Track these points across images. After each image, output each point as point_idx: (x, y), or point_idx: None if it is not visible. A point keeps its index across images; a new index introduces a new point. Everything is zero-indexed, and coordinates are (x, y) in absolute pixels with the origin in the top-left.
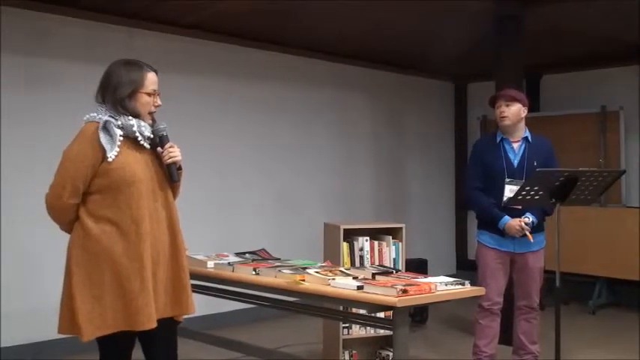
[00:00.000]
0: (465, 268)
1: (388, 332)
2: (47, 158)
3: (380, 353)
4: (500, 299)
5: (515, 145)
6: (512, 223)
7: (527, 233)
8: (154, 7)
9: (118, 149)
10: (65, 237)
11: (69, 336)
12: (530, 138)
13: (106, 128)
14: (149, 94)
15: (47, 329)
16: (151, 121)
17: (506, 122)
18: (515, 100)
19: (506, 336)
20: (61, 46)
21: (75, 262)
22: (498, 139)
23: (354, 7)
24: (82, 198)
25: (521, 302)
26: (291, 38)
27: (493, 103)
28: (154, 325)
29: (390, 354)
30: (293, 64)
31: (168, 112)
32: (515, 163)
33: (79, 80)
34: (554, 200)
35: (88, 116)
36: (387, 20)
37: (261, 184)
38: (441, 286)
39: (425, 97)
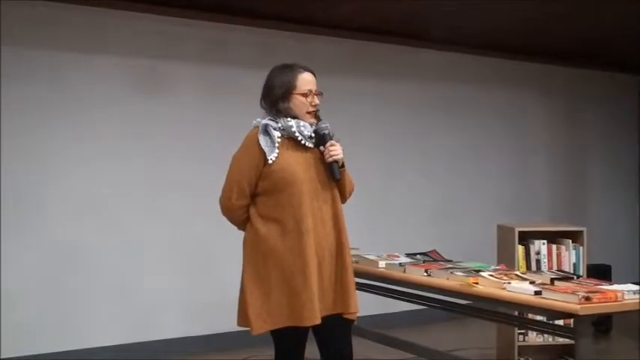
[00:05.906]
0: None
1: (567, 341)
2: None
3: None
4: None
5: None
6: None
7: None
8: (323, 12)
9: (277, 151)
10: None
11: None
12: None
13: (265, 131)
14: (304, 95)
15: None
16: (313, 121)
17: None
18: None
19: None
20: (238, 55)
21: (247, 260)
22: None
23: (528, 2)
24: (252, 200)
25: None
26: (462, 37)
27: None
28: (318, 321)
29: None
30: (463, 63)
31: (339, 114)
32: None
33: (257, 86)
34: None
35: (254, 121)
36: (561, 13)
37: (430, 185)
38: (628, 294)
39: (605, 92)
